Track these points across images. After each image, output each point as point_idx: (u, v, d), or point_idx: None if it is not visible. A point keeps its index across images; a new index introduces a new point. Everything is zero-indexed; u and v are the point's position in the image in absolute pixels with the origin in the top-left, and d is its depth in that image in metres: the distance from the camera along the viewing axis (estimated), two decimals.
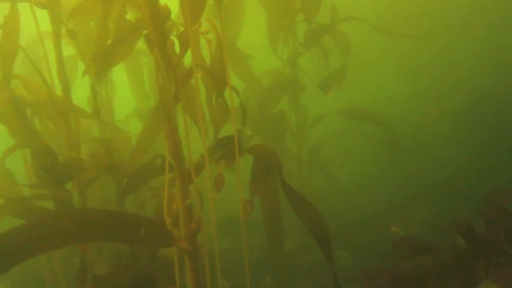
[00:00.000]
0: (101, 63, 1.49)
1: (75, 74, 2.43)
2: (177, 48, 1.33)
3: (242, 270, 1.41)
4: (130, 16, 1.61)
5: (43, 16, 1.64)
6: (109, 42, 1.52)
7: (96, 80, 1.60)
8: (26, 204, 1.55)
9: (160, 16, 1.26)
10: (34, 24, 1.59)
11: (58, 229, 1.03)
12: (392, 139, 2.75)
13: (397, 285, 1.49)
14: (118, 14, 1.51)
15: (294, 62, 2.60)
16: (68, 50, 2.25)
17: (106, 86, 2.46)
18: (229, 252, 2.26)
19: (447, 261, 1.69)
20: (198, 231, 1.25)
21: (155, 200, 1.56)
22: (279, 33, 2.41)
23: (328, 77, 2.58)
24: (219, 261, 1.32)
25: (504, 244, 1.55)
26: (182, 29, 1.33)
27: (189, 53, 1.33)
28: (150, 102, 2.85)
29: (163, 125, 1.24)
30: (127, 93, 3.03)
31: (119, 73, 2.81)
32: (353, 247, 2.94)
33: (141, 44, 1.73)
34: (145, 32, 1.26)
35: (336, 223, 3.33)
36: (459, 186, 3.37)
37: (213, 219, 1.27)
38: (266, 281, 2.65)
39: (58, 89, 1.60)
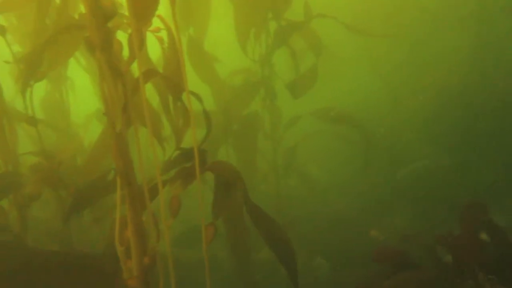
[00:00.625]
0: (32, 64, 1.27)
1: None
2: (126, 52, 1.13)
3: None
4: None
5: None
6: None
7: (23, 84, 1.37)
8: None
9: (104, 12, 1.06)
10: None
11: None
12: (366, 141, 2.61)
13: None
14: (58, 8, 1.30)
15: (267, 61, 2.41)
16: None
17: (61, 88, 2.23)
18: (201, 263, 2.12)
19: (432, 280, 1.57)
20: (152, 266, 1.07)
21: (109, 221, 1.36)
22: (249, 30, 2.22)
23: (296, 79, 2.41)
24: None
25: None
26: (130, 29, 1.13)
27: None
28: None
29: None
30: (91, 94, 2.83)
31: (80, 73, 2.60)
32: (331, 253, 2.83)
33: None
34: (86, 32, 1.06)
35: (314, 225, 3.29)
36: (434, 186, 3.33)
37: (169, 252, 1.07)
38: None
39: None
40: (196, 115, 1.17)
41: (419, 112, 3.83)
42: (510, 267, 1.42)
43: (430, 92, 3.83)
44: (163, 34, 1.25)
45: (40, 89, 2.06)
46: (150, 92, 1.31)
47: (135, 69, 1.18)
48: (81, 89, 2.64)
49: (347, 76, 4.35)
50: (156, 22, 1.16)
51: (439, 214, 3.03)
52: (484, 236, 1.56)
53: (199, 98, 1.26)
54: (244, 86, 2.49)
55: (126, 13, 1.36)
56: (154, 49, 1.39)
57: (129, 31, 1.11)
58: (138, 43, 1.09)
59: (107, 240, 1.30)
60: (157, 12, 1.13)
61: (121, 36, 1.18)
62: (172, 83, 1.17)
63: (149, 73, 1.16)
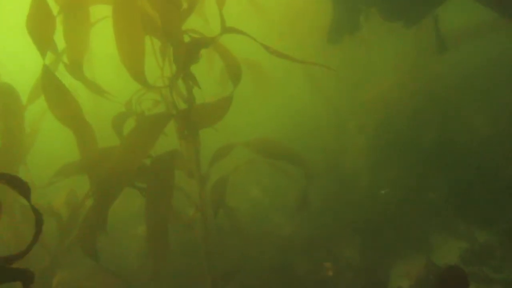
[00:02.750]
0: None
1: None
2: None
3: None
4: None
5: None
6: None
7: None
8: None
9: None
10: None
11: None
12: (307, 176, 2.20)
13: None
14: None
15: (173, 85, 1.94)
16: None
17: None
18: None
19: None
20: None
21: None
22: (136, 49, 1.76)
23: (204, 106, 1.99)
24: None
25: None
26: None
27: None
28: None
29: None
30: None
31: None
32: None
33: None
34: None
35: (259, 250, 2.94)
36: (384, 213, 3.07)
37: None
38: None
39: None
40: None
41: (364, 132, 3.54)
42: None
43: (376, 108, 3.55)
44: None
45: None
46: None
47: None
48: None
49: (284, 96, 4.03)
50: None
51: (389, 244, 2.80)
52: None
53: None
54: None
55: None
56: None
57: None
58: None
59: None
60: None
61: None
62: None
63: None
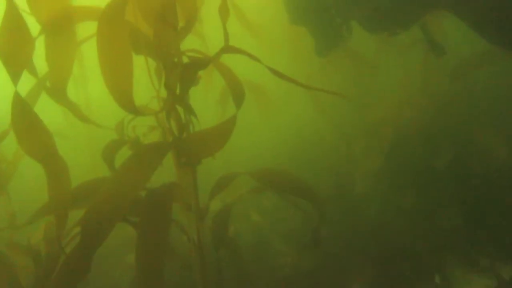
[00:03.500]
0: None
1: None
2: None
3: None
4: None
5: None
6: None
7: None
8: None
9: None
10: None
11: None
12: (319, 212, 1.96)
13: None
14: None
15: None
16: None
17: None
18: None
19: None
20: None
21: None
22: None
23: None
24: None
25: None
26: None
27: None
28: None
29: None
30: None
31: None
32: None
33: None
34: None
35: None
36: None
37: None
38: None
39: None
40: None
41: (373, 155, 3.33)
42: None
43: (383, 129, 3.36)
44: None
45: None
46: None
47: None
48: None
49: (287, 116, 3.84)
50: None
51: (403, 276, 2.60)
52: None
53: None
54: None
55: None
56: None
57: None
58: None
59: None
60: None
61: None
62: None
63: None
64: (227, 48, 1.53)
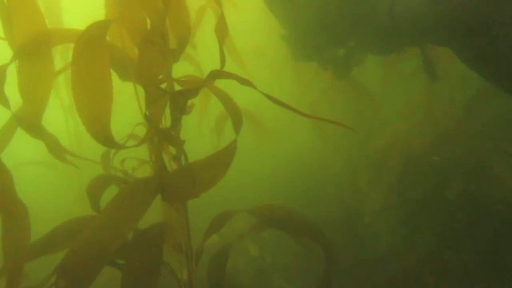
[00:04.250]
0: None
1: None
2: None
3: None
4: None
5: None
6: None
7: None
8: None
9: None
10: None
11: None
12: (328, 256, 1.75)
13: None
14: None
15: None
16: None
17: None
18: None
19: None
20: None
21: None
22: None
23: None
24: None
25: None
26: None
27: None
28: None
29: None
30: None
31: None
32: None
33: None
34: None
35: None
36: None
37: None
38: None
39: None
40: None
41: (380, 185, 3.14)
42: None
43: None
44: None
45: None
46: None
47: None
48: None
49: (288, 144, 3.67)
50: None
51: None
52: None
53: None
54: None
55: None
56: None
57: None
58: None
59: None
60: None
61: None
62: None
63: None
64: (219, 73, 1.36)
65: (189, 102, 1.79)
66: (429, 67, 2.29)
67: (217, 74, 1.35)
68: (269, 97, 1.39)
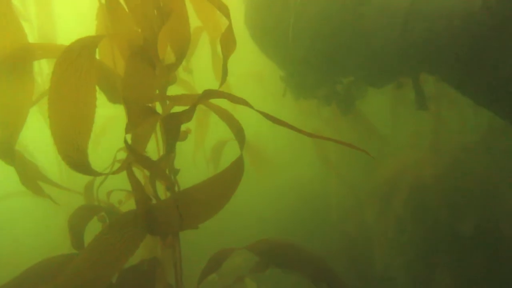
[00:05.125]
0: None
1: None
2: None
3: None
4: None
5: None
6: None
7: None
8: None
9: None
10: None
11: None
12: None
13: None
14: None
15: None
16: None
17: None
18: None
19: None
20: None
21: None
22: None
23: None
24: None
25: None
26: None
27: None
28: None
29: None
30: None
31: None
32: None
33: None
34: None
35: None
36: None
37: None
38: None
39: None
40: None
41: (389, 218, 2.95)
42: None
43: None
44: None
45: None
46: None
47: None
48: None
49: (290, 173, 3.50)
50: None
51: None
52: None
53: None
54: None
55: None
56: None
57: None
58: None
59: None
60: None
61: None
62: None
63: None
64: (213, 92, 1.21)
65: (184, 127, 1.64)
66: (419, 95, 2.27)
67: (211, 93, 1.20)
68: (267, 116, 1.24)
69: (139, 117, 1.05)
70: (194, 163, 2.64)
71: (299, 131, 1.30)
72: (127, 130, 1.03)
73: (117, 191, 1.69)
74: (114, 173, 1.18)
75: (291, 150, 3.72)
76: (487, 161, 3.02)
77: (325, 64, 2.23)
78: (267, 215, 3.22)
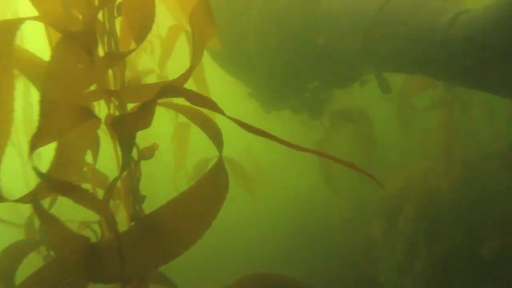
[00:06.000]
0: None
1: None
2: None
3: None
4: None
5: None
6: None
7: None
8: None
9: None
10: None
11: None
12: None
13: None
14: None
15: None
16: None
17: None
18: None
19: None
20: None
21: None
22: None
23: None
24: None
25: None
26: None
27: None
28: None
29: None
30: None
31: None
32: None
33: None
34: None
35: None
36: None
37: None
38: None
39: None
40: None
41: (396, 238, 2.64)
42: None
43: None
44: None
45: None
46: None
47: None
48: None
49: (284, 189, 3.21)
50: None
51: None
52: None
53: None
54: None
55: None
56: None
57: None
58: None
59: None
60: None
61: None
62: None
63: None
64: (172, 89, 0.89)
65: (151, 143, 1.34)
66: (382, 81, 2.26)
67: (169, 89, 0.88)
68: (242, 124, 0.93)
69: (63, 121, 0.75)
70: (175, 187, 2.35)
71: (281, 142, 0.99)
72: (32, 143, 0.71)
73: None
74: (19, 201, 0.87)
75: (289, 162, 3.45)
76: (509, 173, 2.72)
77: (289, 75, 2.29)
78: (262, 236, 2.92)
